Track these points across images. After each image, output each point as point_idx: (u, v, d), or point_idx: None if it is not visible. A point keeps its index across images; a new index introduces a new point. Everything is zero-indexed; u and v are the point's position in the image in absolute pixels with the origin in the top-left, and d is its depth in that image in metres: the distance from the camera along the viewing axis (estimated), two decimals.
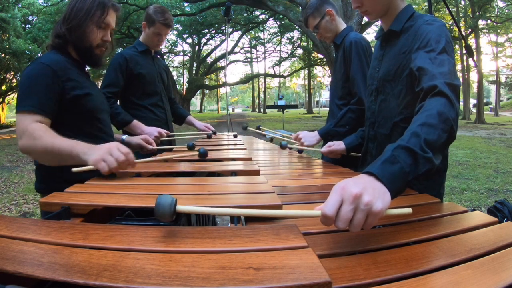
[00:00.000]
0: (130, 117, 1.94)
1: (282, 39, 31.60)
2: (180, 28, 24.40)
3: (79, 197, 0.74)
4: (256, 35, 33.62)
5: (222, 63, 31.75)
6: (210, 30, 26.29)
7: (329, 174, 1.33)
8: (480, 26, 20.49)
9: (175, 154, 1.39)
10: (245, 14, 23.40)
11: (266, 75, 38.64)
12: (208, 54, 32.65)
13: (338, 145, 1.51)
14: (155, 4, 3.56)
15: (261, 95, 44.37)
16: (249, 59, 38.31)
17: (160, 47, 2.19)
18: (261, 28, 30.54)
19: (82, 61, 1.28)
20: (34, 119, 1.07)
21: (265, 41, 34.47)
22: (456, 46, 19.31)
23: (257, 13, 23.01)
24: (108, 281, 0.38)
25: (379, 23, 1.27)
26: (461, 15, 20.52)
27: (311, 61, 29.63)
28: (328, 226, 0.54)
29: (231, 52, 30.48)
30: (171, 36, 26.32)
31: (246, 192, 0.86)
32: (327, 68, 29.79)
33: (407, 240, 0.59)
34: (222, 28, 24.76)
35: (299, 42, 29.23)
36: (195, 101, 51.46)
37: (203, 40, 30.20)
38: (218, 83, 37.93)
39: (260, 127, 2.20)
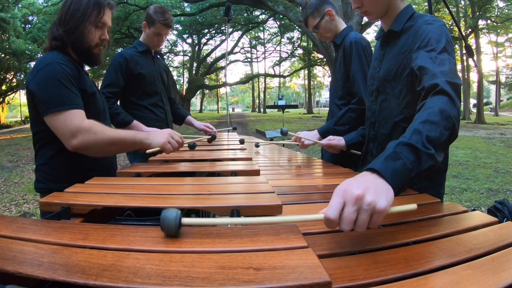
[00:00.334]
0: (130, 118, 1.94)
1: (282, 39, 31.64)
2: (180, 28, 24.41)
3: (79, 197, 0.74)
4: (256, 35, 33.62)
5: (222, 63, 31.77)
6: (210, 30, 26.30)
7: (329, 174, 1.33)
8: (480, 26, 20.49)
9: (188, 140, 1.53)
10: (245, 14, 23.41)
11: (266, 75, 38.63)
12: (208, 54, 32.65)
13: (338, 140, 1.51)
14: (155, 4, 3.56)
15: (261, 95, 44.38)
16: (249, 59, 38.33)
17: (160, 47, 2.19)
18: (261, 28, 30.55)
19: (81, 61, 1.28)
20: (81, 115, 1.11)
21: (265, 41, 34.47)
22: (456, 46, 19.29)
23: (257, 13, 23.01)
24: (108, 281, 0.38)
25: (379, 23, 1.27)
26: (461, 15, 20.52)
27: (311, 61, 29.62)
28: (332, 229, 0.54)
29: (231, 52, 30.48)
30: (171, 36, 26.39)
31: (246, 192, 0.86)
32: (327, 68, 29.79)
33: (407, 240, 0.59)
34: (222, 28, 24.76)
35: (299, 42, 29.23)
36: (195, 101, 51.46)
37: (203, 40, 30.21)
38: (218, 83, 37.92)
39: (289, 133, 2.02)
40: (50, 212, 0.69)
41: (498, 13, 20.62)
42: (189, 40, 30.25)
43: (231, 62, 35.20)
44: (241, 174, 1.10)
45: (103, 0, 1.23)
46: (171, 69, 26.85)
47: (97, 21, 1.21)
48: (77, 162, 1.20)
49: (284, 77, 39.38)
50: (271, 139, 2.48)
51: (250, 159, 1.39)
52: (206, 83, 33.71)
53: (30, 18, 21.69)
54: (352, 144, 1.49)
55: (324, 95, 52.09)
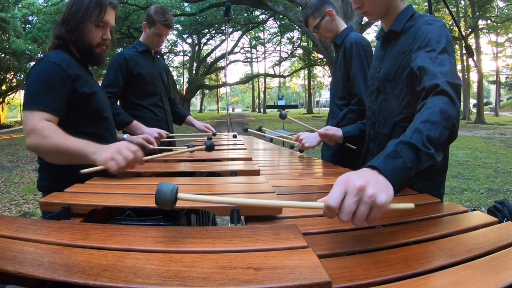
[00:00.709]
0: (130, 118, 1.93)
1: (282, 39, 31.64)
2: (180, 28, 24.40)
3: (79, 197, 0.74)
4: (256, 35, 33.63)
5: (222, 63, 31.78)
6: (210, 30, 26.30)
7: (329, 174, 1.33)
8: (480, 26, 20.49)
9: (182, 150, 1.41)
10: (245, 14, 23.41)
11: (266, 75, 38.63)
12: (208, 54, 32.66)
13: (336, 130, 1.49)
14: (156, 4, 3.56)
15: (261, 95, 44.36)
16: (249, 59, 38.34)
17: (160, 47, 2.19)
18: (261, 28, 30.55)
19: (84, 60, 1.29)
20: (42, 117, 1.07)
21: (265, 41, 34.48)
22: (456, 46, 19.29)
23: (257, 13, 23.01)
24: (108, 281, 0.38)
25: (379, 23, 1.27)
26: (461, 15, 20.51)
27: (311, 61, 29.63)
28: (331, 218, 0.54)
29: (231, 52, 30.49)
30: (171, 36, 26.35)
31: (246, 192, 0.87)
32: (327, 68, 29.79)
33: (407, 240, 0.59)
34: (222, 28, 24.76)
35: (299, 42, 29.23)
36: (195, 101, 51.46)
37: (203, 40, 30.22)
38: (218, 83, 37.92)
39: (262, 128, 2.17)
40: (51, 212, 0.69)
41: (498, 13, 20.62)
42: (189, 40, 30.27)
43: (231, 62, 35.24)
44: (241, 174, 1.10)
45: (105, 0, 1.23)
46: (171, 69, 26.83)
47: (98, 21, 1.22)
48: None
49: (284, 77, 39.40)
50: (271, 139, 2.47)
51: (250, 159, 1.39)
52: (206, 83, 33.72)
53: (30, 18, 21.69)
54: (349, 137, 1.48)
55: (324, 95, 52.08)
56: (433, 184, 1.11)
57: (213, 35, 28.38)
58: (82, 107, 1.20)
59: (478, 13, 18.58)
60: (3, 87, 22.03)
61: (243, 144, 1.99)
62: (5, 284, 0.41)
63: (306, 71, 36.50)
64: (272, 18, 23.72)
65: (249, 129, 2.23)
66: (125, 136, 1.58)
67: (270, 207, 0.62)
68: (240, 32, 28.96)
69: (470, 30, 19.20)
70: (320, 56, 23.06)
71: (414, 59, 0.97)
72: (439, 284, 0.45)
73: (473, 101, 29.76)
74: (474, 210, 0.77)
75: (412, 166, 0.61)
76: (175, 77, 32.92)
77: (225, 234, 0.53)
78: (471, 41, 19.49)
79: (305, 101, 46.68)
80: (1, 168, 5.97)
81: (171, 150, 1.68)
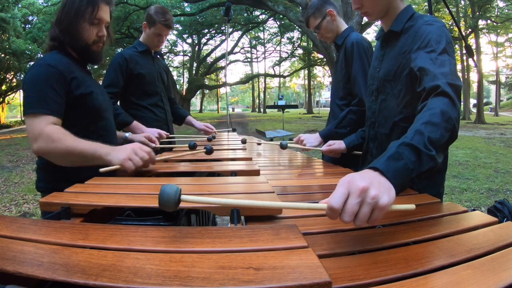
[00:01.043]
0: (130, 118, 1.93)
1: (282, 39, 31.65)
2: (180, 28, 24.40)
3: (79, 197, 0.74)
4: (256, 35, 33.63)
5: (222, 63, 31.77)
6: (210, 30, 26.30)
7: (329, 174, 1.33)
8: (480, 26, 20.48)
9: (185, 152, 1.43)
10: (245, 14, 23.41)
11: (266, 75, 38.64)
12: (208, 54, 32.65)
13: (338, 144, 1.52)
14: (156, 4, 3.55)
15: (261, 95, 44.38)
16: (249, 59, 38.35)
17: (160, 47, 2.19)
18: (261, 28, 30.55)
19: (82, 60, 1.28)
20: (48, 120, 1.07)
21: (265, 41, 34.48)
22: (456, 46, 19.30)
23: (257, 13, 23.02)
24: (108, 281, 0.38)
25: (379, 23, 1.27)
26: (461, 15, 20.51)
27: (311, 61, 29.63)
28: (333, 219, 0.54)
29: (231, 52, 30.49)
30: (171, 36, 26.34)
31: (246, 192, 0.87)
32: (327, 68, 29.79)
33: (407, 240, 0.59)
34: (222, 28, 24.76)
35: (299, 42, 29.24)
36: (195, 101, 51.45)
37: (203, 40, 30.21)
38: (218, 83, 37.93)
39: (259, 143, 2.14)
40: (50, 212, 0.69)
41: (498, 13, 20.62)
42: (189, 40, 30.27)
43: (231, 62, 35.24)
44: (241, 174, 1.10)
45: None
46: (171, 69, 26.84)
47: (92, 18, 1.20)
48: None
49: (284, 77, 39.40)
50: (271, 139, 2.48)
51: (250, 159, 1.39)
52: (206, 83, 33.71)
53: (30, 18, 21.67)
54: (352, 147, 1.51)
55: (324, 95, 52.08)
56: (433, 184, 1.11)
57: (213, 35, 28.39)
58: (80, 107, 1.20)
59: (478, 13, 18.58)
60: (3, 87, 22.03)
61: (243, 144, 1.99)
62: (5, 284, 0.41)
63: (306, 71, 36.50)
64: (272, 18, 23.73)
65: (247, 141, 2.22)
66: (127, 134, 1.58)
67: (272, 209, 0.62)
68: (240, 32, 28.97)
69: (470, 30, 19.20)
70: (320, 56, 23.07)
71: (414, 60, 0.97)
72: (439, 284, 0.45)
73: (473, 101, 29.75)
74: (474, 210, 0.77)
75: (413, 168, 0.62)
76: (175, 77, 32.93)
77: (225, 234, 0.53)
78: (471, 41, 19.49)
79: (305, 101, 46.67)
80: (1, 168, 5.97)
81: (171, 149, 1.69)
